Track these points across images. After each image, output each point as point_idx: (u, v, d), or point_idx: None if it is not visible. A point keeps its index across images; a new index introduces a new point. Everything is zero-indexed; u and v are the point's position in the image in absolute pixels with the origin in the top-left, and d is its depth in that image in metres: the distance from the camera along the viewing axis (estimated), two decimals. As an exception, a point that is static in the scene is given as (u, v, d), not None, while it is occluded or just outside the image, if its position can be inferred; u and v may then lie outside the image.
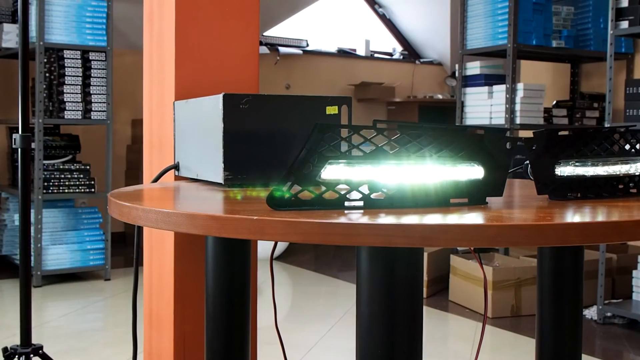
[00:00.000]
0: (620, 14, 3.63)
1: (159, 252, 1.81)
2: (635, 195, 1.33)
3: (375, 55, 7.61)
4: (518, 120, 4.20)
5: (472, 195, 1.12)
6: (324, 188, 1.03)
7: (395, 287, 1.02)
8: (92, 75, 4.52)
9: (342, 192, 1.04)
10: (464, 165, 1.13)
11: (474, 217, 0.98)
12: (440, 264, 4.36)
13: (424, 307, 4.10)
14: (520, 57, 4.45)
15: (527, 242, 0.89)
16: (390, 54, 7.79)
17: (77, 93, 4.49)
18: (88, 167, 4.61)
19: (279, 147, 1.44)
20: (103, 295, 4.34)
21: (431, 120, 7.14)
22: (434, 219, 0.95)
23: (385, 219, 0.92)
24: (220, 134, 1.39)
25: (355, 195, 1.05)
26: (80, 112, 4.50)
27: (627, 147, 1.35)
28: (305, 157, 1.02)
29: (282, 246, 5.49)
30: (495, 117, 4.30)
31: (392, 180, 1.07)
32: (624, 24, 3.61)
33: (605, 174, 1.28)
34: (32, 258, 4.39)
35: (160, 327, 1.81)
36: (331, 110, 1.47)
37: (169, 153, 1.74)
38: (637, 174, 1.34)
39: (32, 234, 4.39)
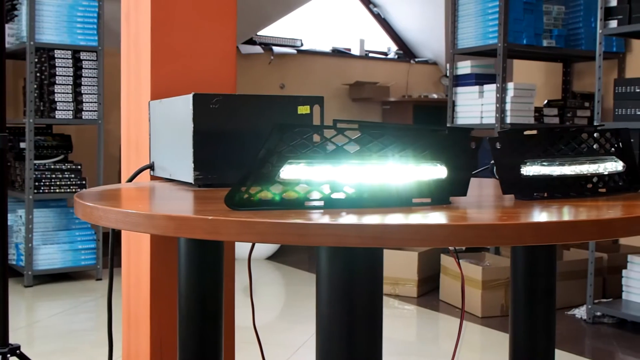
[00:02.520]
0: (609, 13, 3.63)
1: (136, 252, 1.81)
2: (605, 194, 1.33)
3: (370, 54, 7.61)
4: (508, 120, 4.20)
5: (436, 195, 1.12)
6: (283, 188, 1.03)
7: (355, 287, 1.02)
8: (84, 75, 4.52)
9: (303, 192, 1.04)
10: (428, 165, 1.13)
11: (432, 217, 0.98)
12: (430, 264, 4.36)
13: (415, 307, 4.10)
14: (511, 56, 4.44)
15: (481, 242, 0.89)
16: (385, 54, 7.78)
17: (68, 93, 4.49)
18: (79, 167, 4.61)
19: (250, 147, 1.44)
20: (94, 295, 4.34)
21: (426, 120, 7.14)
22: (391, 218, 0.95)
23: (340, 219, 0.92)
24: (190, 134, 1.39)
25: (316, 195, 1.05)
26: (71, 112, 4.50)
27: (596, 146, 1.35)
28: (264, 157, 1.02)
29: (274, 246, 5.49)
30: (486, 116, 4.30)
31: (354, 180, 1.07)
32: (613, 24, 3.60)
33: (572, 173, 1.28)
34: (24, 258, 4.40)
35: (138, 328, 1.81)
36: (303, 110, 1.47)
37: (146, 153, 1.74)
38: (606, 173, 1.34)
39: (23, 233, 4.39)
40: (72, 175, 4.56)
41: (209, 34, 1.78)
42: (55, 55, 4.45)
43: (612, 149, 1.35)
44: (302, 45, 7.11)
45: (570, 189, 1.27)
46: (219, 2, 1.79)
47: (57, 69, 4.45)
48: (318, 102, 1.50)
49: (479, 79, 4.39)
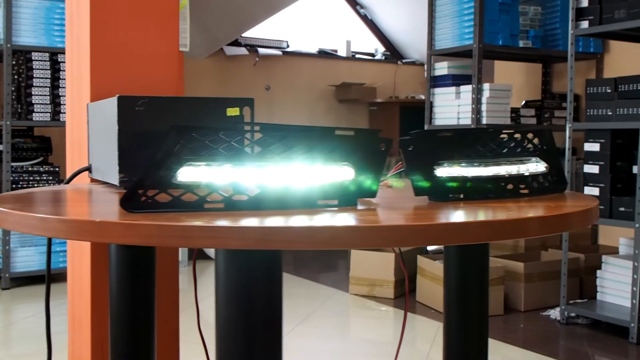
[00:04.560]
0: (580, 14, 3.62)
1: (79, 254, 1.81)
2: (528, 195, 1.33)
3: (357, 56, 7.61)
4: (484, 121, 4.20)
5: (342, 197, 1.12)
6: (182, 190, 1.03)
7: (252, 290, 1.02)
8: (61, 77, 4.52)
9: (202, 194, 1.04)
10: (335, 167, 1.12)
11: (325, 219, 0.98)
12: (407, 265, 4.36)
13: (391, 308, 4.10)
14: (487, 57, 4.44)
15: (365, 244, 0.89)
16: (372, 55, 7.78)
17: (45, 95, 4.49)
18: (57, 169, 4.61)
19: (177, 148, 1.43)
20: (71, 297, 4.33)
21: (413, 121, 7.13)
22: (280, 221, 0.94)
23: (229, 221, 0.92)
24: (115, 136, 1.39)
25: (216, 197, 1.05)
26: (49, 114, 4.50)
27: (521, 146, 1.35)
28: (162, 160, 1.02)
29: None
30: (463, 117, 4.30)
31: (256, 181, 1.07)
32: (584, 24, 3.60)
33: (491, 174, 1.28)
34: (1, 260, 4.40)
35: (81, 330, 1.81)
36: (232, 111, 1.47)
37: (86, 155, 1.74)
38: (528, 174, 1.34)
39: (1, 236, 4.39)
40: (51, 177, 4.56)
41: (151, 36, 1.78)
42: (33, 58, 4.45)
43: (536, 150, 1.35)
44: (288, 46, 7.11)
45: (489, 190, 1.27)
46: (160, 3, 1.79)
47: (34, 71, 4.45)
48: (248, 104, 1.50)
49: (456, 80, 4.39)
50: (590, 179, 3.61)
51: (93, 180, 1.71)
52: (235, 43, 6.75)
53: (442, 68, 4.48)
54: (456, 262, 1.51)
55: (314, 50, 7.32)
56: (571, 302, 3.82)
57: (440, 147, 1.21)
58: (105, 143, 1.50)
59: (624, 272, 3.56)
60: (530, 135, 1.34)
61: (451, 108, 4.38)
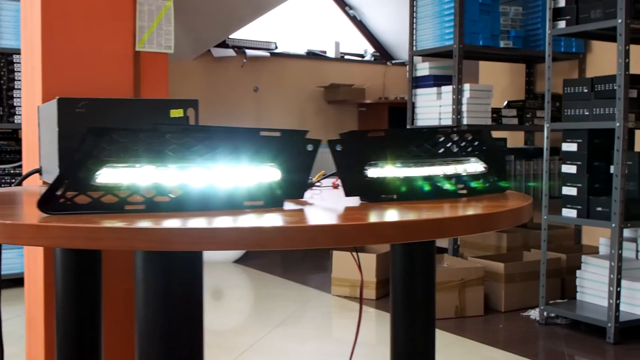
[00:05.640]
0: (558, 14, 3.62)
1: (33, 258, 1.81)
2: (466, 195, 1.33)
3: (346, 57, 7.60)
4: (465, 121, 4.19)
5: (268, 198, 1.12)
6: (102, 192, 1.03)
7: (171, 291, 1.02)
8: (43, 79, 4.52)
9: (123, 196, 1.04)
10: (262, 168, 1.12)
11: (243, 220, 0.98)
12: (389, 266, 4.35)
13: (373, 309, 4.09)
14: (468, 57, 4.44)
15: (270, 245, 0.89)
16: (362, 56, 7.78)
17: (27, 97, 4.49)
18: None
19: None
20: (53, 299, 4.33)
21: (401, 122, 7.12)
22: (188, 223, 0.94)
23: (135, 223, 0.92)
24: (55, 138, 1.39)
25: (138, 198, 1.05)
26: (31, 116, 4.50)
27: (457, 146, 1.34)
28: (80, 161, 1.02)
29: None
30: (444, 117, 4.30)
31: (179, 182, 1.07)
32: (562, 24, 3.60)
33: (425, 175, 1.27)
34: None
35: (36, 331, 1.81)
36: (176, 113, 1.47)
37: (38, 157, 1.74)
38: (466, 174, 1.33)
39: (-17, 238, 4.39)
40: (33, 180, 4.56)
41: (104, 37, 1.78)
42: (14, 60, 4.45)
43: (475, 150, 1.35)
44: (276, 48, 7.11)
45: (424, 191, 1.27)
46: (114, 4, 1.79)
47: (15, 73, 4.45)
48: (192, 106, 1.50)
49: (437, 81, 4.39)
50: (568, 179, 3.61)
51: (45, 183, 1.71)
52: (223, 44, 6.75)
53: (423, 69, 4.48)
54: (401, 262, 1.51)
55: (302, 51, 7.32)
56: (551, 302, 3.82)
57: (372, 147, 1.21)
58: (50, 145, 1.50)
59: (603, 272, 3.55)
60: (468, 136, 1.34)
61: (433, 109, 4.38)
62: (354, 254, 1.79)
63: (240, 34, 6.87)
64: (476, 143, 1.34)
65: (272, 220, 0.97)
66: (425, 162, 1.27)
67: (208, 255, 5.43)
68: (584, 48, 4.63)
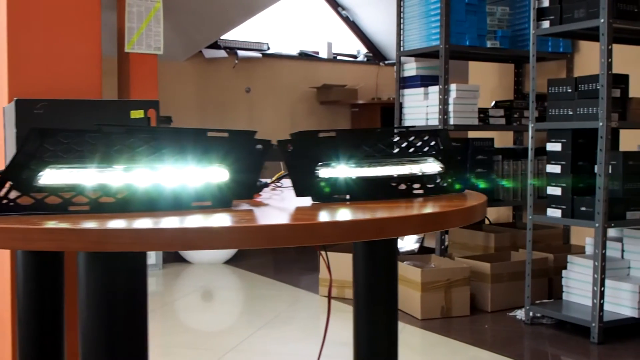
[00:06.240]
0: (542, 14, 3.62)
1: (1, 259, 1.81)
2: (422, 196, 1.33)
3: (339, 57, 7.61)
4: (452, 121, 4.19)
5: (216, 198, 1.12)
6: (45, 193, 1.03)
7: (113, 292, 1.02)
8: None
9: (67, 197, 1.04)
10: (210, 168, 1.12)
11: (188, 221, 0.98)
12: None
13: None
14: (455, 57, 4.44)
15: (205, 246, 0.89)
16: (355, 56, 7.78)
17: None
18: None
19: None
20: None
21: (394, 122, 7.12)
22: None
23: (69, 224, 0.92)
24: (13, 140, 1.39)
25: (83, 199, 1.05)
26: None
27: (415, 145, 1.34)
28: (23, 162, 1.02)
29: (231, 250, 5.49)
30: (431, 117, 4.30)
31: (124, 183, 1.07)
32: (546, 24, 3.60)
33: (379, 175, 1.27)
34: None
35: (5, 332, 1.81)
36: (136, 114, 1.47)
37: (4, 159, 1.74)
38: (421, 174, 1.33)
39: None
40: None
41: (71, 37, 1.78)
42: None
43: (432, 150, 1.35)
44: (268, 48, 7.11)
45: (377, 191, 1.27)
46: (81, 5, 1.79)
47: None
48: (153, 106, 1.50)
49: (424, 81, 4.39)
50: (552, 179, 3.61)
51: (12, 184, 1.71)
52: (215, 45, 6.75)
53: (410, 69, 4.48)
54: (363, 260, 1.51)
55: (294, 52, 7.32)
56: (538, 302, 3.82)
57: (324, 147, 1.21)
58: (11, 146, 1.50)
59: (588, 271, 3.55)
60: (425, 136, 1.34)
61: (420, 109, 4.38)
62: (323, 253, 1.78)
63: (232, 35, 6.87)
64: (433, 143, 1.34)
65: (204, 220, 0.97)
66: (380, 162, 1.27)
67: (198, 256, 5.43)
68: (571, 48, 4.63)
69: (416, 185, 1.32)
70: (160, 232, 0.88)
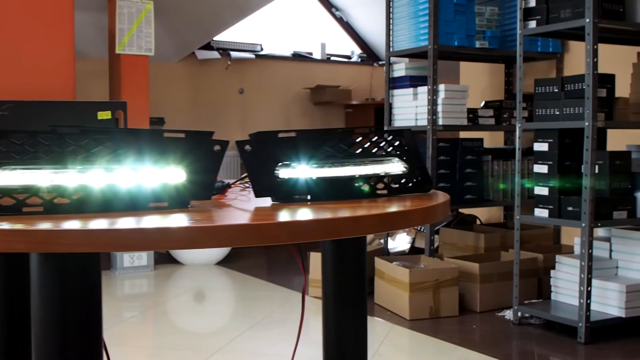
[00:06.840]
0: (528, 13, 3.62)
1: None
2: (386, 195, 1.33)
3: (332, 58, 7.61)
4: (440, 122, 4.19)
5: (174, 199, 1.12)
6: (-1, 194, 1.03)
7: (65, 293, 1.02)
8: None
9: (21, 198, 1.04)
10: (167, 169, 1.12)
11: (141, 222, 0.98)
12: (367, 266, 4.34)
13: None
14: (444, 58, 4.44)
15: (151, 246, 0.89)
16: (349, 57, 7.78)
17: None
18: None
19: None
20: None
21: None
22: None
23: (21, 225, 0.92)
24: (-21, 141, 1.39)
25: (37, 201, 1.05)
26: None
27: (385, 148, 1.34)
28: (-25, 163, 1.02)
29: (223, 251, 5.48)
30: (420, 118, 4.30)
31: (79, 184, 1.07)
32: (532, 24, 3.60)
33: (341, 175, 1.27)
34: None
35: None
36: (103, 115, 1.47)
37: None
38: (384, 174, 1.33)
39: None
40: None
41: (44, 39, 1.78)
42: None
43: (396, 150, 1.35)
44: (262, 49, 7.11)
45: (340, 191, 1.26)
46: (54, 9, 1.79)
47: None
48: (121, 108, 1.50)
49: (414, 81, 4.39)
50: (539, 179, 3.61)
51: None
52: (207, 47, 6.75)
53: (399, 69, 4.48)
54: (331, 259, 1.51)
55: (288, 53, 7.32)
56: (526, 302, 3.82)
57: (283, 148, 1.21)
58: (-21, 148, 1.50)
59: (576, 271, 3.55)
60: (389, 136, 1.34)
61: (409, 109, 4.38)
62: (296, 253, 1.78)
63: (225, 36, 6.87)
64: (397, 143, 1.34)
65: (159, 221, 0.97)
66: (342, 163, 1.27)
67: (190, 257, 5.43)
68: (561, 48, 4.63)
69: (380, 186, 1.32)
70: (107, 232, 0.88)
